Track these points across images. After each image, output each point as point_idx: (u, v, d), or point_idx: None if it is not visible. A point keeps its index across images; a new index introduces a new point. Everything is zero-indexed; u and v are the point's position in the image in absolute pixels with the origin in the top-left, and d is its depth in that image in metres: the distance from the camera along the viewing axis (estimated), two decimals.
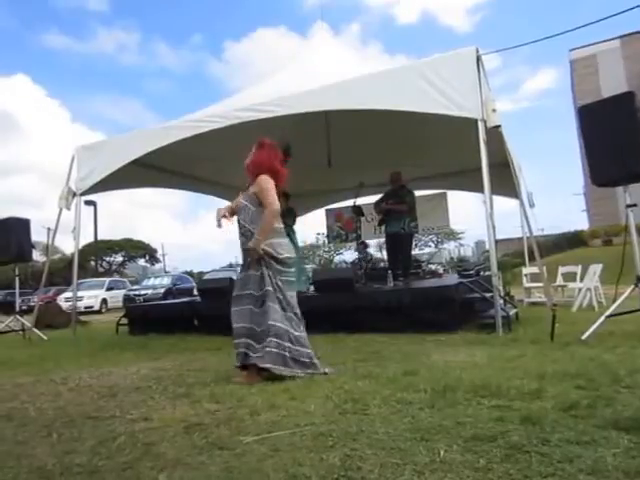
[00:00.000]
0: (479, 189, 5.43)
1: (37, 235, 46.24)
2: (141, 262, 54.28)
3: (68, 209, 7.26)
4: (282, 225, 3.78)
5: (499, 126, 5.01)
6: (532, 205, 9.07)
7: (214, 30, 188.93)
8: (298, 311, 3.69)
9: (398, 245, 7.84)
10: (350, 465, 1.83)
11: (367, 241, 11.79)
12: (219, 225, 3.75)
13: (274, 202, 3.55)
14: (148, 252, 51.75)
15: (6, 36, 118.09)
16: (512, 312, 5.78)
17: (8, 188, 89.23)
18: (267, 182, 3.60)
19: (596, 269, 7.66)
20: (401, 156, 8.77)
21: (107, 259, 48.85)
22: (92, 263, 38.33)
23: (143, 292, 19.68)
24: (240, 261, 3.97)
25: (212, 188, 10.53)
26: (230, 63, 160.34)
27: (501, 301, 5.30)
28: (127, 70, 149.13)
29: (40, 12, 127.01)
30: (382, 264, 12.07)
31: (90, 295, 20.52)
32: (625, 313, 4.35)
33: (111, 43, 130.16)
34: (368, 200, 9.67)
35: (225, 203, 12.23)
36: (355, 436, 2.14)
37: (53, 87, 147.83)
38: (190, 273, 36.66)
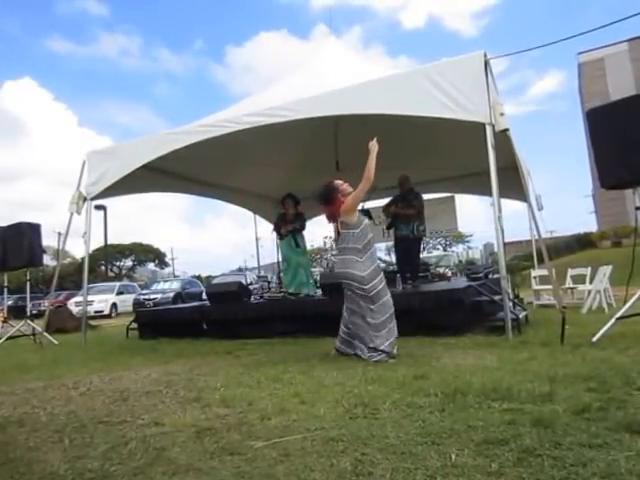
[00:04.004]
0: (487, 192, 5.41)
1: (46, 239, 46.60)
2: (150, 266, 54.65)
3: (79, 213, 7.29)
4: None
5: (507, 130, 5.00)
6: (540, 208, 9.06)
7: (216, 35, 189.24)
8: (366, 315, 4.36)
9: (407, 249, 7.82)
10: (361, 470, 1.83)
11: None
12: None
13: None
14: (157, 256, 52.05)
15: (10, 41, 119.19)
16: (522, 315, 5.75)
17: (16, 192, 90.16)
18: None
19: (606, 271, 7.60)
20: (409, 160, 8.74)
21: (117, 263, 49.16)
22: (102, 267, 38.53)
23: (153, 296, 19.67)
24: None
25: (222, 192, 10.58)
26: (233, 67, 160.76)
27: (510, 304, 5.27)
28: (131, 75, 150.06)
29: (41, 18, 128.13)
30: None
31: (100, 299, 20.60)
32: (636, 315, 4.31)
33: (113, 48, 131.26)
34: (376, 204, 9.66)
35: (234, 207, 12.25)
36: (366, 440, 2.14)
37: (59, 91, 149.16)
38: (199, 277, 36.82)
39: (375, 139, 4.51)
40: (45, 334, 7.61)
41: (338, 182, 4.63)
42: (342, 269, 4.45)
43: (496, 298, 5.54)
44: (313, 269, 15.53)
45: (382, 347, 4.16)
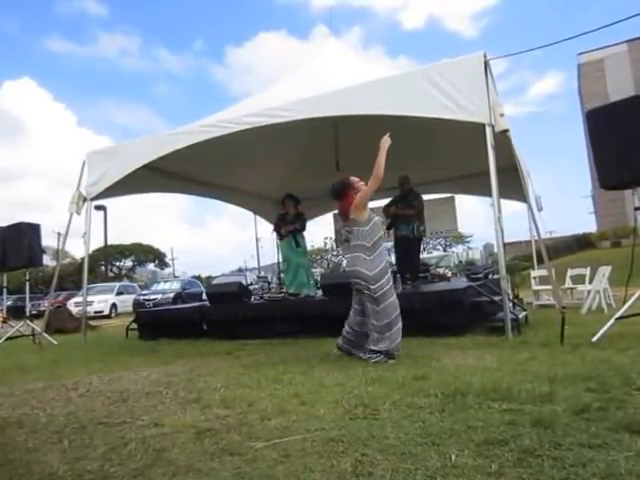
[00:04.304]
0: (487, 193, 5.41)
1: (46, 239, 46.57)
2: (150, 267, 54.64)
3: (78, 214, 7.29)
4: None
5: (507, 130, 5.01)
6: (540, 209, 9.07)
7: (216, 35, 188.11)
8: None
9: (407, 249, 7.82)
10: (361, 471, 1.83)
11: None
12: None
13: None
14: (157, 257, 52.04)
15: (10, 41, 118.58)
16: (521, 315, 5.75)
17: (16, 192, 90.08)
18: None
19: (605, 271, 7.61)
20: (410, 160, 8.72)
21: (117, 264, 49.15)
22: (102, 268, 38.52)
23: (153, 297, 19.63)
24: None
25: (222, 192, 10.58)
26: (233, 68, 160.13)
27: (510, 304, 5.27)
28: (130, 74, 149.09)
29: (41, 18, 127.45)
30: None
31: (100, 300, 20.57)
32: (635, 315, 4.31)
33: (112, 48, 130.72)
34: (377, 204, 9.65)
35: (234, 207, 12.27)
36: (366, 441, 2.13)
37: (58, 91, 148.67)
38: (199, 277, 36.82)
39: (388, 134, 4.50)
40: (45, 334, 7.61)
41: (354, 179, 4.64)
42: (351, 267, 4.44)
43: (496, 298, 5.54)
44: (314, 269, 15.52)
45: (384, 349, 4.15)
